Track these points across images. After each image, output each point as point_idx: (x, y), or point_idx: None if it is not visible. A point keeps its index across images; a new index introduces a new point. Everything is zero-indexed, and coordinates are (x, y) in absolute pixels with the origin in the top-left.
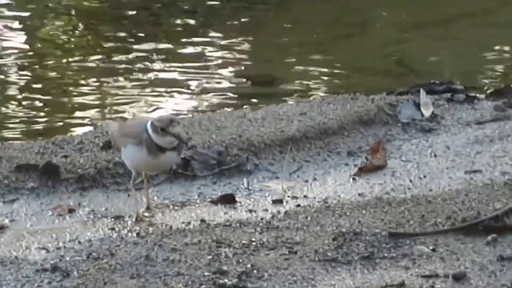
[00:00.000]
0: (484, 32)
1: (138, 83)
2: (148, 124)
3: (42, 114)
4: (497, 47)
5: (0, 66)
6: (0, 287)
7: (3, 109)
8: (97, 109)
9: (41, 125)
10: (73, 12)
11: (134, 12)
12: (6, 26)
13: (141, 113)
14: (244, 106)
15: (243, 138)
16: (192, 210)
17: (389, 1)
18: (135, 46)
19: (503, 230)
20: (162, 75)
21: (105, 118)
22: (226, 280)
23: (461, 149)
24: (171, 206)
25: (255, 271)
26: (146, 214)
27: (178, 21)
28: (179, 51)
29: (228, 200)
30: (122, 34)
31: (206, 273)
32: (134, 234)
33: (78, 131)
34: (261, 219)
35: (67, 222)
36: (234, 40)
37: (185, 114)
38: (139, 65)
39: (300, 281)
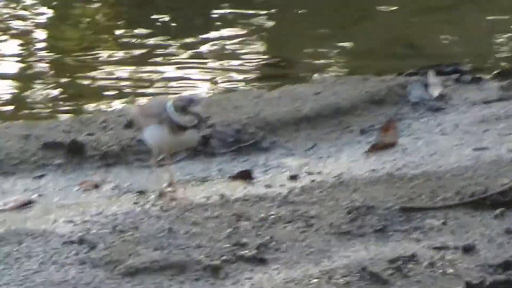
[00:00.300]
0: (488, 17)
1: (159, 64)
2: (169, 104)
3: (68, 95)
4: (501, 31)
5: (28, 50)
6: (29, 258)
7: (32, 91)
8: (119, 91)
9: (67, 105)
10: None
11: None
12: None
13: (161, 94)
14: (261, 87)
15: (260, 117)
16: (212, 185)
17: None
18: (157, 31)
19: (510, 204)
20: (183, 56)
21: (127, 98)
22: (245, 252)
23: (468, 127)
24: (192, 182)
25: (273, 243)
26: (169, 189)
27: (199, 7)
28: (200, 35)
29: (246, 176)
30: (145, 20)
31: (226, 245)
32: (157, 208)
33: (102, 110)
34: (278, 194)
35: (92, 197)
36: (253, 25)
37: (204, 94)
38: (160, 48)
39: (316, 253)
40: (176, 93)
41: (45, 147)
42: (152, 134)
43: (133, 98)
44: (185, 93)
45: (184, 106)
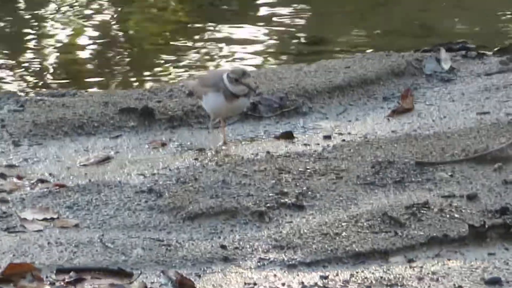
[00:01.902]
0: (491, 3)
1: (215, 42)
2: (225, 76)
3: (141, 68)
4: (501, 15)
5: (110, 37)
6: (107, 205)
7: (109, 66)
8: (182, 65)
9: (140, 76)
10: None
11: None
12: None
13: (217, 67)
14: (301, 61)
15: (299, 86)
16: (259, 144)
17: None
18: (212, 17)
19: (507, 160)
20: (235, 37)
21: (189, 71)
22: (286, 200)
23: (473, 95)
24: (242, 141)
25: (309, 192)
26: (223, 147)
27: None
28: (250, 19)
29: (288, 136)
30: (200, 3)
31: (270, 194)
32: (213, 163)
33: (168, 82)
34: (314, 151)
35: (160, 154)
36: (292, 9)
37: (253, 68)
38: (215, 31)
39: (345, 200)
40: (230, 67)
41: (121, 112)
42: (210, 101)
43: (194, 71)
44: (238, 67)
45: (237, 77)
